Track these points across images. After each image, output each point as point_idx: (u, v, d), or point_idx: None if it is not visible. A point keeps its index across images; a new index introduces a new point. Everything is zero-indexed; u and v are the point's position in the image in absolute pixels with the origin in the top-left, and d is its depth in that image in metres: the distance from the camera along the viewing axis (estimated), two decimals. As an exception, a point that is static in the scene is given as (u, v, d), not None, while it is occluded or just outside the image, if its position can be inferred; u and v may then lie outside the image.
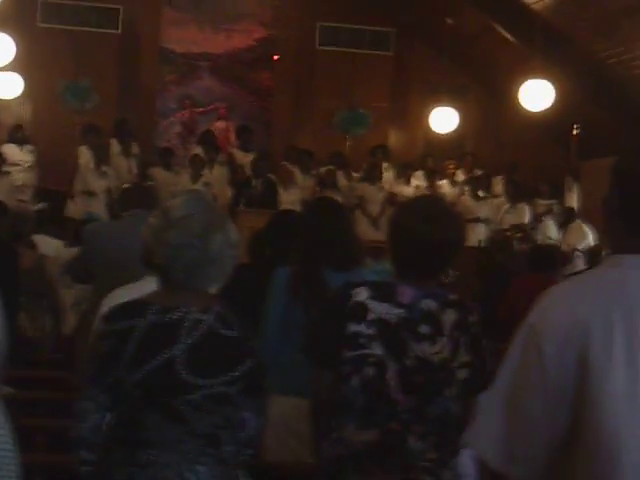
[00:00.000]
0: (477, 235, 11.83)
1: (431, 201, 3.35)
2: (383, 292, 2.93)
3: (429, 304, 2.91)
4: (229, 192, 11.65)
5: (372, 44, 14.69)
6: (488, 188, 12.78)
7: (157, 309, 2.67)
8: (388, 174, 12.76)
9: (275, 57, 14.70)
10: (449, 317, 2.91)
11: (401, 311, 2.90)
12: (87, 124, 12.29)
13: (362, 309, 2.90)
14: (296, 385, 3.73)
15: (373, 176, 12.52)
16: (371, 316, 2.89)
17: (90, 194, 11.46)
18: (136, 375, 2.62)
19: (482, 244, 11.27)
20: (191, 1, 14.47)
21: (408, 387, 2.87)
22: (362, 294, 2.92)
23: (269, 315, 4.13)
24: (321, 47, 14.67)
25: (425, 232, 2.93)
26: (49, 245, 7.76)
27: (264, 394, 2.79)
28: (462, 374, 2.90)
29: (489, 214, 12.44)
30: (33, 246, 7.34)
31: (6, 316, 4.11)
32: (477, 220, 12.16)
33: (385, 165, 12.88)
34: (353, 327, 2.90)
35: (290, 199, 10.92)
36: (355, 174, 12.80)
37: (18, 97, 13.03)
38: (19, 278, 5.83)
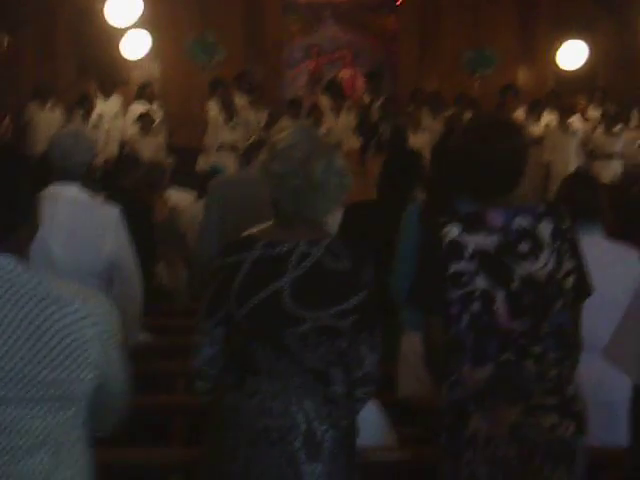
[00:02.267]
0: (611, 171, 11.53)
1: (485, 120, 3.17)
2: (473, 222, 2.88)
3: (521, 221, 2.85)
4: (356, 139, 11.65)
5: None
6: (627, 122, 12.32)
7: (265, 243, 2.71)
8: (518, 113, 12.49)
9: (399, 0, 14.52)
10: (544, 229, 2.85)
11: (496, 236, 2.86)
12: (214, 78, 12.42)
13: (458, 246, 2.86)
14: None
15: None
16: (468, 251, 2.85)
17: (220, 148, 11.62)
18: (244, 308, 2.68)
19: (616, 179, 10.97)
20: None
21: (518, 310, 2.83)
22: (453, 231, 2.87)
23: (401, 252, 4.14)
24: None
25: (480, 152, 2.87)
26: (180, 198, 7.95)
27: (379, 329, 2.79)
28: (568, 283, 2.86)
29: (623, 149, 12.04)
30: (165, 199, 7.54)
31: (143, 266, 4.28)
32: (611, 156, 11.84)
33: (514, 104, 12.61)
34: (454, 266, 2.86)
35: (418, 142, 10.81)
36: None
37: (147, 55, 13.31)
38: (154, 230, 6.01)
